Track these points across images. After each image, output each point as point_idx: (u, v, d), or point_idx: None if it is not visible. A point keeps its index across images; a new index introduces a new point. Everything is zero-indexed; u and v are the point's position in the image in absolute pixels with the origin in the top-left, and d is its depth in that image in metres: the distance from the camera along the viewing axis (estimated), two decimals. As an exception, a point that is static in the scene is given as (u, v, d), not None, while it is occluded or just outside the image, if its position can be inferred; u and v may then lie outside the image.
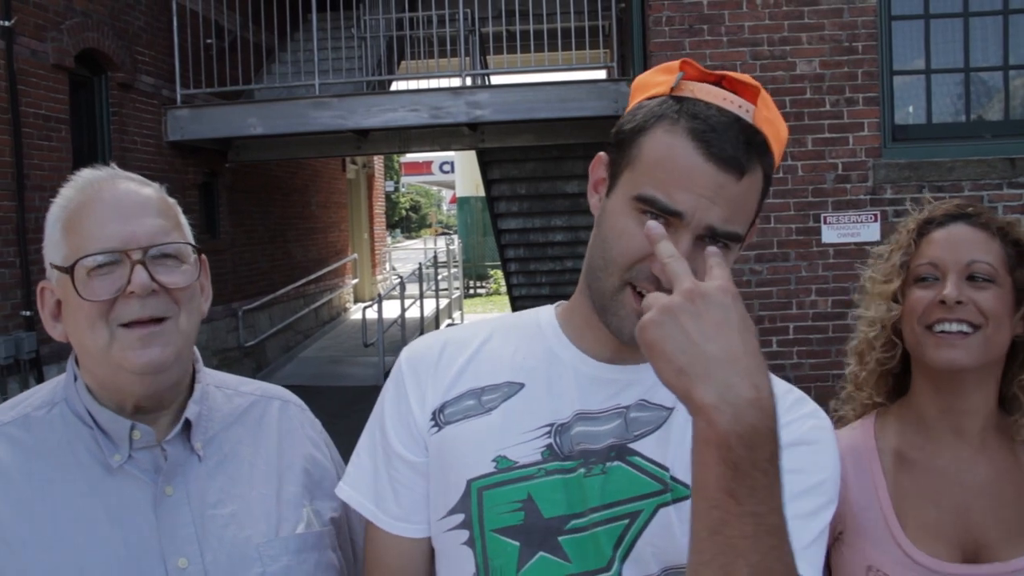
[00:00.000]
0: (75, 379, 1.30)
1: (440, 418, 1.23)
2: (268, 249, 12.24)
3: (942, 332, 1.45)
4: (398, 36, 11.33)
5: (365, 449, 1.30)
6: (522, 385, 1.23)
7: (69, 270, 1.24)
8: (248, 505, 1.32)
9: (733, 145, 1.08)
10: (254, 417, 1.40)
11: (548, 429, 1.19)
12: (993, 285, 1.46)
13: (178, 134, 9.38)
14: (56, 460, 1.26)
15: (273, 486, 1.35)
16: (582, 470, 1.16)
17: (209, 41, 9.75)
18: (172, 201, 1.35)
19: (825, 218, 5.94)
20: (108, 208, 1.26)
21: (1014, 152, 5.89)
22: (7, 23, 7.02)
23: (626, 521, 1.14)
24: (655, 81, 1.17)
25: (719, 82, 1.14)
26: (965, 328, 1.44)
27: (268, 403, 1.44)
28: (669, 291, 1.03)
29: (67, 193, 1.29)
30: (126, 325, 1.22)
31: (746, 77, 1.13)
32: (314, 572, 1.33)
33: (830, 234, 5.95)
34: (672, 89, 1.13)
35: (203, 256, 1.35)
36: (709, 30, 5.95)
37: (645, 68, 6.07)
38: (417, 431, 1.24)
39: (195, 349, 1.35)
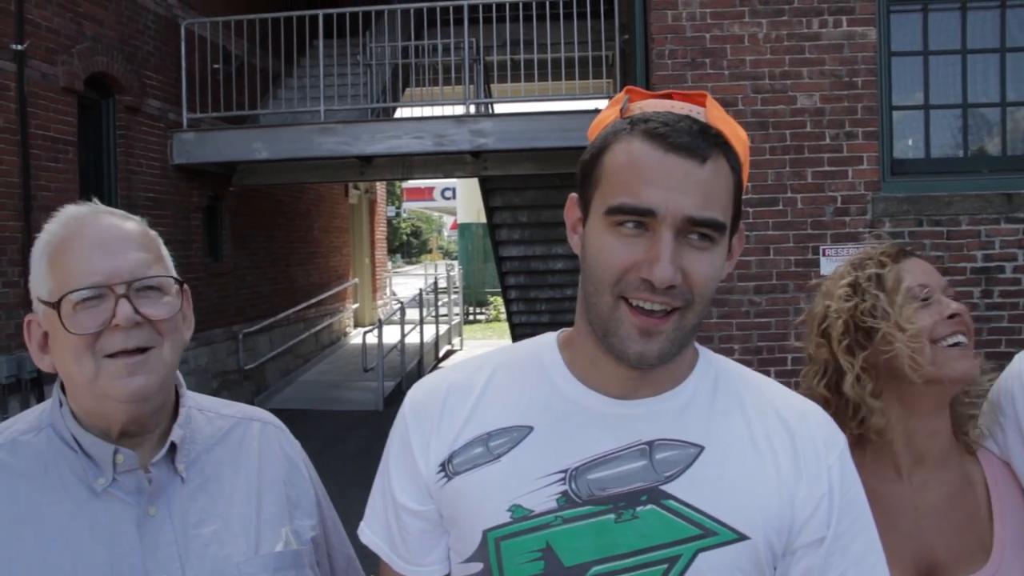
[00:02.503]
0: (60, 405, 1.34)
1: (449, 468, 1.21)
2: (270, 273, 12.29)
3: (954, 344, 1.52)
4: (403, 64, 11.44)
5: (378, 493, 1.31)
6: (531, 428, 1.19)
7: (56, 305, 1.27)
8: (229, 524, 1.35)
9: (688, 134, 1.10)
10: (235, 439, 1.44)
11: (562, 476, 1.15)
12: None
13: (184, 157, 9.46)
14: (42, 483, 1.30)
15: (253, 506, 1.39)
16: (612, 515, 1.13)
17: (216, 66, 9.86)
18: (154, 234, 1.38)
19: (824, 250, 5.98)
20: (91, 243, 1.29)
21: (1011, 187, 5.95)
22: (19, 47, 7.11)
23: (664, 566, 1.12)
24: (605, 115, 1.20)
25: (667, 98, 1.18)
26: (966, 341, 1.54)
27: (248, 425, 1.48)
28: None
29: (51, 228, 1.32)
30: (111, 355, 1.26)
31: (694, 91, 1.17)
32: None
33: (829, 266, 5.99)
34: (622, 112, 1.17)
35: (185, 287, 1.39)
36: (711, 63, 6.02)
37: (647, 100, 6.14)
38: (423, 483, 1.23)
39: (178, 374, 1.40)
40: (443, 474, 1.21)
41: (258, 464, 1.43)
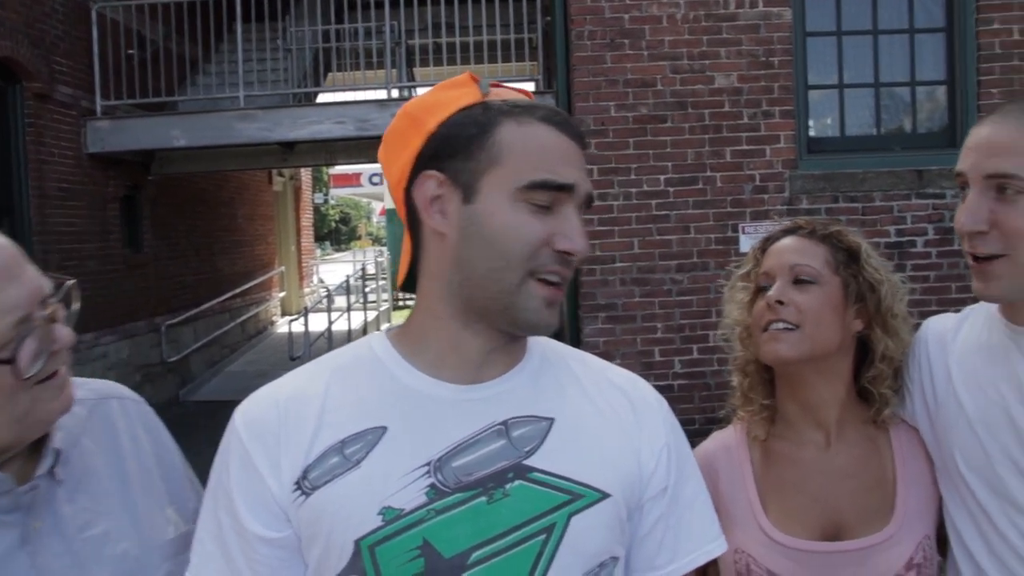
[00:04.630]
0: None
1: (305, 485, 1.15)
2: (193, 263, 12.04)
3: (770, 330, 1.61)
4: (324, 48, 11.29)
5: (209, 535, 1.20)
6: (384, 428, 1.17)
7: (10, 360, 1.15)
8: (116, 519, 1.29)
9: (573, 124, 1.22)
10: (97, 424, 1.35)
11: (427, 468, 1.15)
12: (815, 286, 1.62)
13: (98, 146, 9.19)
14: None
15: (134, 493, 1.33)
16: (483, 498, 1.15)
17: (131, 51, 9.59)
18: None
19: (743, 228, 6.08)
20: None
21: (922, 164, 6.12)
22: (-84, 31, 6.82)
23: (543, 537, 1.15)
24: (452, 96, 1.21)
25: (498, 86, 1.26)
26: (789, 326, 1.60)
27: (107, 404, 1.38)
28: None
29: None
30: (42, 380, 1.18)
31: (519, 88, 1.29)
32: None
33: (748, 244, 6.09)
34: (484, 96, 1.21)
35: None
36: (630, 44, 6.06)
37: (568, 80, 6.16)
38: (276, 505, 1.16)
39: None
40: (299, 492, 1.15)
41: (127, 445, 1.36)
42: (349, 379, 1.22)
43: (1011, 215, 1.38)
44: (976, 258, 1.42)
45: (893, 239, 6.03)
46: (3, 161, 8.18)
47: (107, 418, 1.37)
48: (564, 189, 1.16)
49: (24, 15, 8.30)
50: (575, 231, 1.16)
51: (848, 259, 1.65)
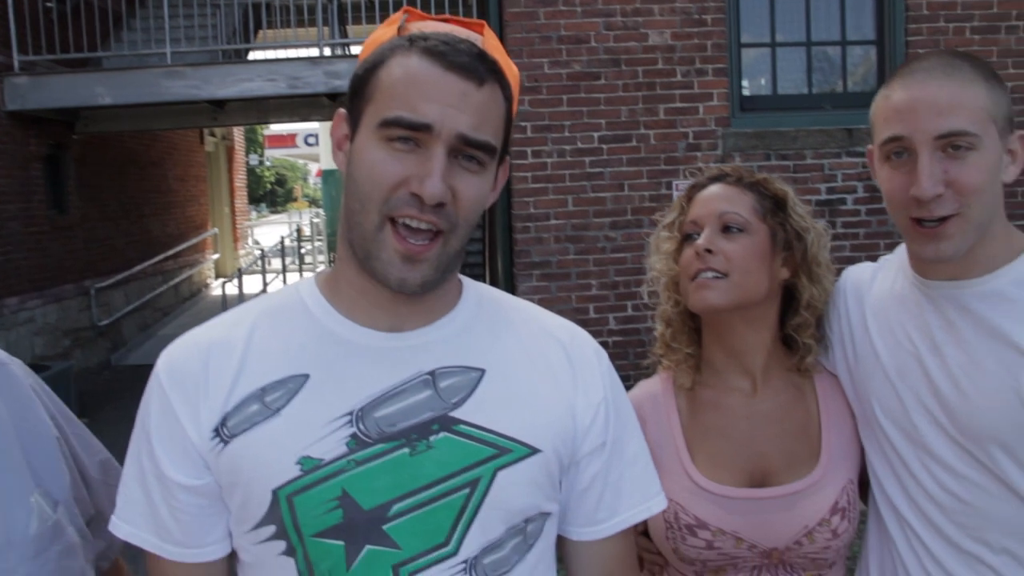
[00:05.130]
0: None
1: (223, 432, 1.13)
2: (123, 225, 11.76)
3: (700, 279, 1.60)
4: (255, 4, 11.02)
5: (134, 478, 1.18)
6: (307, 376, 1.14)
7: None
8: None
9: (468, 55, 1.11)
10: None
11: (348, 418, 1.12)
12: (744, 235, 1.61)
13: (17, 103, 8.87)
14: None
15: None
16: (406, 450, 1.12)
17: (49, 4, 9.24)
18: None
19: (677, 185, 6.10)
20: None
21: (851, 123, 6.18)
22: None
23: (466, 491, 1.13)
24: (380, 34, 1.19)
25: (445, 22, 1.20)
26: (718, 274, 1.59)
27: None
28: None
29: None
30: None
31: (473, 20, 1.20)
32: (57, 566, 1.21)
33: (682, 202, 6.12)
34: (400, 31, 1.17)
35: None
36: (563, 0, 6.01)
37: (501, 36, 6.09)
38: (196, 452, 1.14)
39: None
40: (218, 439, 1.13)
41: None
42: (274, 324, 1.19)
43: (965, 172, 1.37)
44: (925, 222, 1.40)
45: (824, 196, 6.11)
46: (-84, 119, 7.86)
47: None
48: (419, 128, 1.08)
49: (-66, -35, 7.95)
50: (430, 173, 1.07)
51: (775, 207, 1.65)
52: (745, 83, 6.44)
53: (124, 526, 1.19)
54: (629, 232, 6.08)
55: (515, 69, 1.20)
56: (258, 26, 11.91)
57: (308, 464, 1.11)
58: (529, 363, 1.21)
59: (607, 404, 1.24)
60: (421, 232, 1.09)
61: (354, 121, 1.14)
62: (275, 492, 1.11)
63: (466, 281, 1.27)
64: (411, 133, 1.08)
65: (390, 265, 1.10)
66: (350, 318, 1.18)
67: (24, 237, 8.96)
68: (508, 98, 1.16)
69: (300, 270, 15.40)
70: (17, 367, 1.29)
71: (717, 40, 6.11)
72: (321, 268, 17.34)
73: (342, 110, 1.17)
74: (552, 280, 6.01)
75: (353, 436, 1.12)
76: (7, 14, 8.76)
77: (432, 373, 1.16)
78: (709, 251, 1.59)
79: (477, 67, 1.10)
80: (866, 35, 6.44)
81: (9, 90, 8.83)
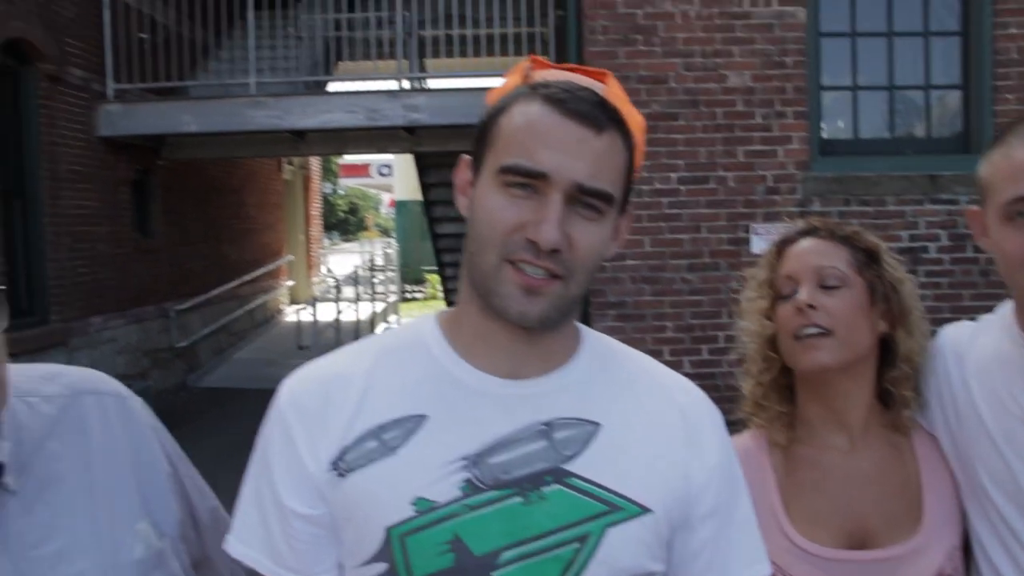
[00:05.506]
0: None
1: (341, 466, 1.14)
2: (202, 249, 12.05)
3: (805, 336, 1.56)
4: (336, 37, 11.26)
5: (251, 502, 1.21)
6: (424, 417, 1.15)
7: None
8: (76, 536, 1.17)
9: (588, 103, 1.11)
10: (68, 425, 1.22)
11: (464, 462, 1.12)
12: (843, 289, 1.58)
13: (109, 129, 9.20)
14: None
15: (103, 504, 1.21)
16: (519, 499, 1.12)
17: (143, 35, 9.58)
18: None
19: (755, 229, 6.05)
20: None
21: (935, 169, 6.07)
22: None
23: (576, 546, 1.12)
24: (507, 83, 1.20)
25: (570, 71, 1.18)
26: (822, 330, 1.55)
27: (80, 402, 1.25)
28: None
29: None
30: None
31: (596, 69, 1.18)
32: None
33: (760, 245, 6.06)
34: (524, 79, 1.17)
35: None
36: (643, 40, 6.03)
37: (581, 77, 6.13)
38: (313, 483, 1.16)
39: None
40: (335, 472, 1.15)
41: (100, 451, 1.24)
42: (395, 363, 1.20)
43: None
44: None
45: (906, 244, 5.99)
46: (16, 143, 8.18)
47: (80, 418, 1.24)
48: (536, 176, 1.09)
49: (38, -3, 8.30)
50: (545, 221, 1.07)
51: (867, 260, 1.62)
52: (825, 127, 6.37)
53: (239, 546, 1.21)
54: (706, 275, 6.04)
55: (639, 118, 1.18)
56: (338, 58, 12.16)
57: (423, 505, 1.12)
58: (645, 420, 1.20)
59: (721, 468, 1.22)
60: (538, 276, 1.11)
61: (477, 166, 1.17)
62: (388, 531, 1.12)
63: (583, 330, 1.26)
64: (528, 180, 1.09)
65: (510, 299, 1.11)
66: (470, 361, 1.18)
67: (111, 259, 9.25)
68: (630, 147, 1.15)
69: (373, 300, 15.57)
70: (137, 403, 1.33)
71: (797, 83, 6.07)
72: (393, 298, 17.55)
73: (466, 156, 1.20)
74: (628, 321, 5.99)
75: (467, 481, 1.12)
76: (104, 44, 9.10)
77: (548, 424, 1.16)
78: (812, 307, 1.56)
79: (596, 114, 1.10)
80: (952, 79, 6.33)
81: (103, 116, 9.16)
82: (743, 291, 1.72)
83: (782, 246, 1.68)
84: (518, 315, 1.11)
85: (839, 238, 1.63)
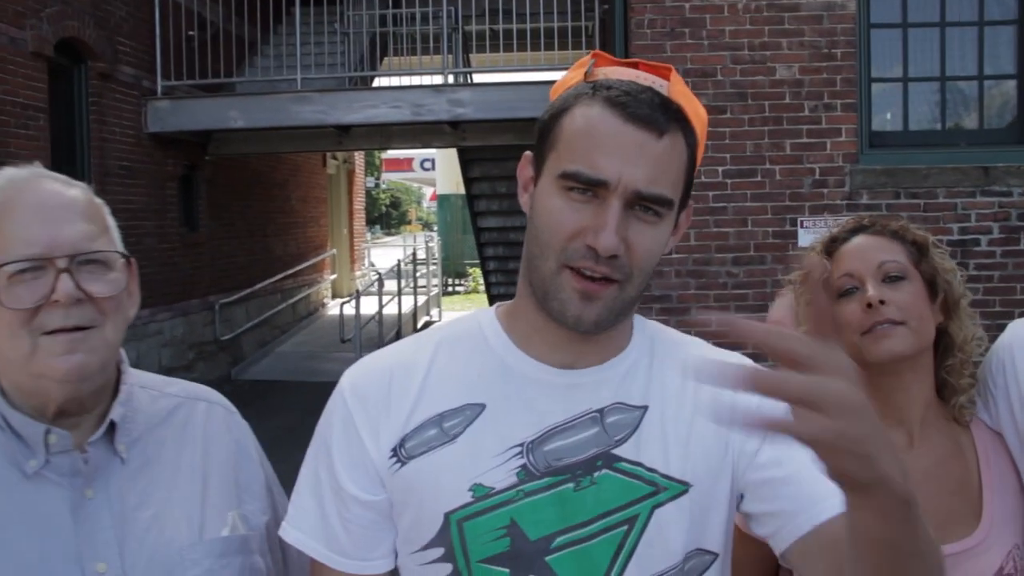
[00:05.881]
0: None
1: (402, 453, 1.18)
2: (247, 243, 12.19)
3: (876, 330, 1.54)
4: (381, 32, 11.32)
5: (308, 489, 1.24)
6: (483, 406, 1.18)
7: None
8: (170, 508, 1.28)
9: (649, 106, 1.10)
10: (179, 419, 1.36)
11: (519, 449, 1.16)
12: (906, 282, 1.58)
13: (158, 125, 9.34)
14: None
15: (198, 489, 1.32)
16: (570, 484, 1.15)
17: (191, 33, 9.71)
18: (100, 202, 1.29)
19: (802, 222, 5.99)
20: (31, 210, 1.20)
21: (988, 161, 5.97)
22: (-13, 10, 6.97)
23: (625, 527, 1.14)
24: (570, 77, 1.19)
25: (633, 66, 1.17)
26: (892, 324, 1.54)
27: (194, 405, 1.39)
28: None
29: None
30: (50, 332, 1.18)
31: (660, 63, 1.17)
32: (239, 574, 1.30)
33: (807, 238, 6.00)
34: (586, 76, 1.16)
35: (132, 261, 1.29)
36: (690, 33, 5.99)
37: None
38: (374, 469, 1.19)
39: (121, 351, 1.31)
40: (396, 459, 1.18)
41: (203, 446, 1.36)
42: (455, 353, 1.23)
43: None
44: None
45: (956, 236, 5.90)
46: (68, 138, 8.34)
47: (190, 417, 1.38)
48: (595, 184, 1.09)
49: (90, -4, 8.45)
50: (604, 227, 1.08)
51: (919, 253, 1.62)
52: (874, 118, 6.28)
53: (293, 532, 1.24)
54: (751, 268, 5.99)
55: (702, 112, 1.18)
56: (383, 53, 12.22)
57: (480, 491, 1.15)
58: (692, 399, 1.20)
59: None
60: (596, 280, 1.11)
61: (538, 165, 1.17)
62: (447, 516, 1.15)
63: (639, 321, 1.28)
64: (588, 186, 1.10)
65: (568, 303, 1.12)
66: (526, 352, 1.21)
67: (157, 253, 9.39)
68: (692, 144, 1.15)
69: (415, 294, 15.64)
70: (241, 418, 1.46)
71: (847, 75, 5.99)
72: (435, 291, 17.60)
73: (528, 152, 1.20)
74: (672, 315, 5.96)
75: (523, 467, 1.15)
76: (154, 42, 9.24)
77: (601, 411, 1.18)
78: (882, 302, 1.55)
79: (658, 118, 1.10)
80: (1004, 69, 6.22)
81: (152, 113, 9.30)
82: (796, 295, 1.71)
83: (831, 246, 1.67)
84: (574, 320, 1.13)
85: (890, 232, 1.63)
